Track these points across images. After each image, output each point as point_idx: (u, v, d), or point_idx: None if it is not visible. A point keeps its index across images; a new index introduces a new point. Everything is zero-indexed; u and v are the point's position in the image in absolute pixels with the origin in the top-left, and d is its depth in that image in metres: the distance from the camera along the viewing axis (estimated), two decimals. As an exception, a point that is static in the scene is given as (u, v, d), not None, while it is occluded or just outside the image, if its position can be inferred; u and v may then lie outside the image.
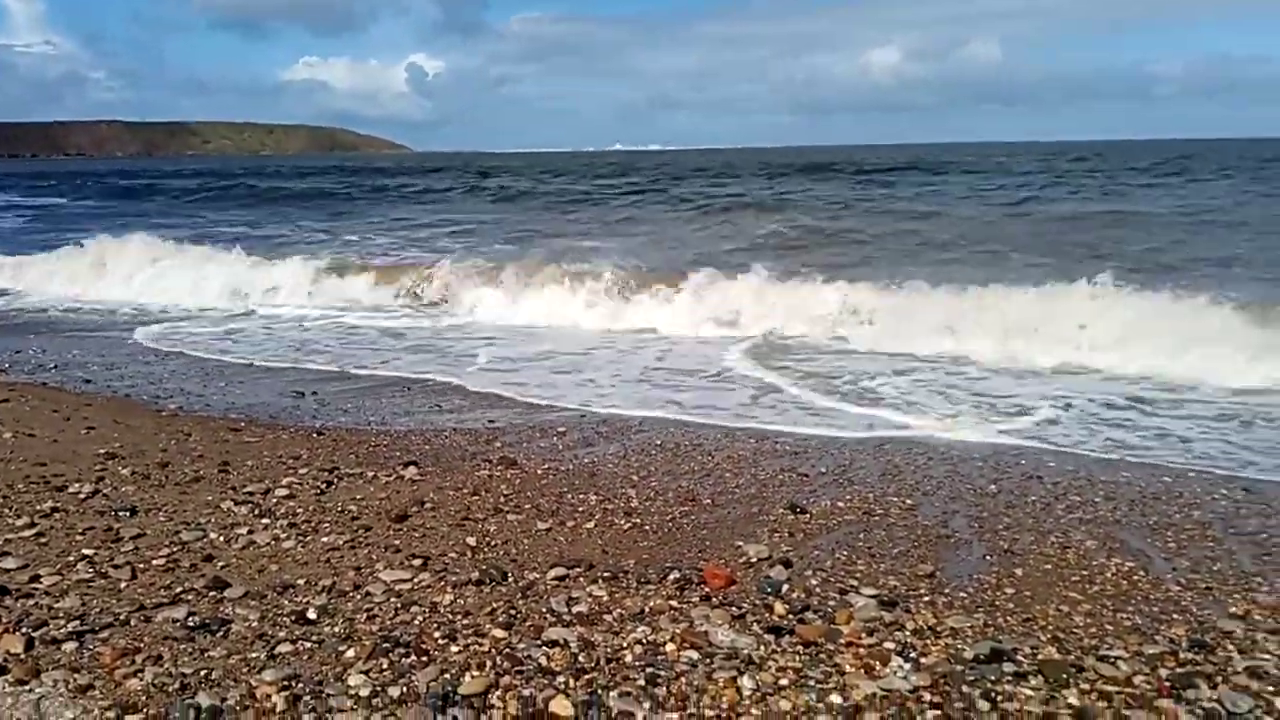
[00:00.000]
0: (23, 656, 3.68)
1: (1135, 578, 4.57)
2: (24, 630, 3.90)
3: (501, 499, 5.77)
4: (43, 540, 4.97)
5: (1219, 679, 3.54)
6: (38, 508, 5.45)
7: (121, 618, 4.04)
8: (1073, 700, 3.39)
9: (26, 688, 3.46)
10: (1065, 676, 3.53)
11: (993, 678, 3.53)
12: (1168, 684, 3.49)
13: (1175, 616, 4.13)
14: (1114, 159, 58.64)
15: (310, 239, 25.39)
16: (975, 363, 9.85)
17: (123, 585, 4.42)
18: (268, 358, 11.25)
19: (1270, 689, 3.47)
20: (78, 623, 3.98)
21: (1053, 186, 35.23)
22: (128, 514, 5.38)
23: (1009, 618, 4.11)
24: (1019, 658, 3.69)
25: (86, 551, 4.81)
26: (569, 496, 5.84)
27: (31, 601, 4.20)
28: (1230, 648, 3.81)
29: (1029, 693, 3.44)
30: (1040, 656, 3.71)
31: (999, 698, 3.40)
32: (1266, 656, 3.73)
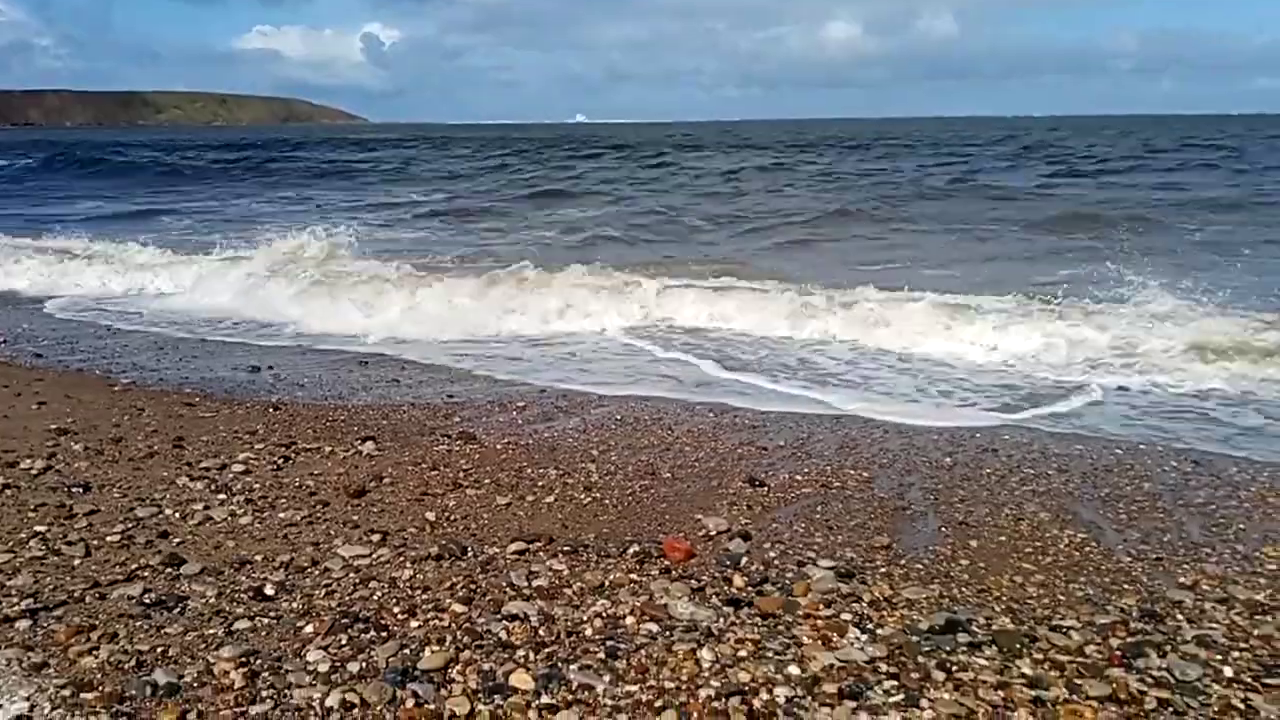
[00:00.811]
0: (-26, 635, 3.63)
1: (1087, 549, 4.64)
2: (-25, 608, 3.84)
3: (461, 474, 5.75)
4: (-7, 517, 4.90)
5: (1168, 648, 3.61)
6: (-12, 484, 5.36)
7: (76, 595, 4.00)
8: (1026, 670, 3.45)
9: (-22, 666, 3.42)
10: (1019, 646, 3.59)
11: (948, 648, 3.58)
12: (1119, 653, 3.56)
13: (1126, 587, 4.20)
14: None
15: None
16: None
17: (77, 562, 4.37)
18: (219, 331, 11.13)
19: (1218, 657, 3.55)
20: (31, 600, 3.93)
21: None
22: (81, 490, 5.31)
23: (964, 589, 4.17)
24: (974, 628, 3.75)
25: (39, 528, 4.75)
26: (529, 471, 5.83)
27: (-18, 579, 4.15)
28: (1180, 617, 3.89)
29: (983, 663, 3.49)
30: (994, 627, 3.77)
31: (954, 668, 3.45)
32: (1214, 626, 3.81)
